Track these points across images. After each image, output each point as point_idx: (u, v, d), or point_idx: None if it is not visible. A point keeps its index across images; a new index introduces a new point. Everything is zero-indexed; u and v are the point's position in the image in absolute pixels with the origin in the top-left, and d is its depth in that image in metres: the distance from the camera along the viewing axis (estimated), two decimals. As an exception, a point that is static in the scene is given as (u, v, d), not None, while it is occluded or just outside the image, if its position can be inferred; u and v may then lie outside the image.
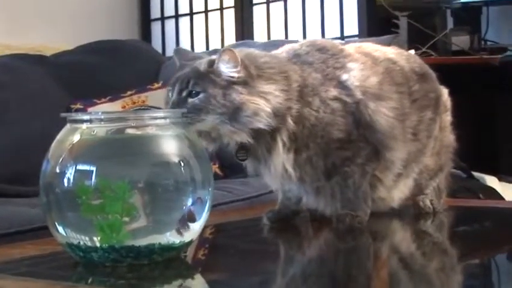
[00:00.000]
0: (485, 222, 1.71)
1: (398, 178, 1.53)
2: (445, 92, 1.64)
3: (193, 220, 1.23)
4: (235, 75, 1.37)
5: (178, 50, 1.54)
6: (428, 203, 1.61)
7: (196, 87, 1.37)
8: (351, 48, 1.54)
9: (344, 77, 1.47)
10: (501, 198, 2.73)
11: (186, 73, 1.39)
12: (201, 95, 1.36)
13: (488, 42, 3.77)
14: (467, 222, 1.69)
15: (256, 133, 1.40)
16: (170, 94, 1.40)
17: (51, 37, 3.27)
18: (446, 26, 3.63)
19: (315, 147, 1.45)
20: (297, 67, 1.47)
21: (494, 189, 2.81)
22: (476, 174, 2.94)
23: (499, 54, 3.47)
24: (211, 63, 1.39)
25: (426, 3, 3.65)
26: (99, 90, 2.74)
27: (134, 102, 2.68)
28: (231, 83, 1.37)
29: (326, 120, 1.44)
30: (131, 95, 2.70)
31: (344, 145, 1.45)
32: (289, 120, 1.42)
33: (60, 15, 3.41)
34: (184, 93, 1.37)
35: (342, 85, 1.46)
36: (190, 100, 1.37)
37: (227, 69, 1.37)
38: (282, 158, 1.43)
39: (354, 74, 1.47)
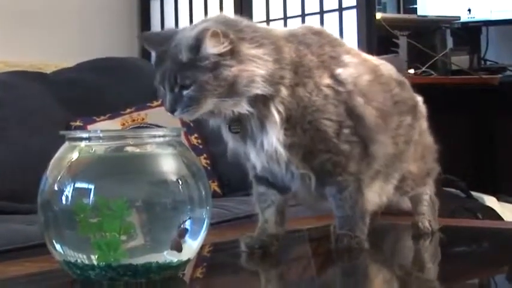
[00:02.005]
0: (484, 242, 1.71)
1: (375, 176, 1.50)
2: (419, 99, 1.63)
3: (179, 250, 1.22)
4: (224, 50, 1.34)
5: (145, 37, 1.46)
6: (427, 224, 1.61)
7: (186, 80, 1.34)
8: None
9: (338, 70, 1.45)
10: (500, 218, 2.73)
11: (170, 68, 1.35)
12: (193, 86, 1.34)
13: (488, 62, 3.79)
14: (465, 243, 1.68)
15: (251, 103, 1.37)
16: (162, 91, 1.37)
17: (51, 54, 3.28)
18: (446, 45, 3.64)
19: (299, 136, 1.41)
20: (291, 45, 1.44)
21: (493, 209, 2.81)
22: (475, 194, 2.94)
23: (498, 74, 3.49)
24: (193, 49, 1.34)
25: (426, 23, 3.67)
26: (99, 107, 2.75)
27: (134, 120, 2.68)
28: (217, 62, 1.34)
29: (318, 104, 1.41)
30: (131, 112, 2.71)
31: (332, 148, 1.42)
32: (283, 90, 1.39)
33: (60, 32, 3.42)
34: (176, 89, 1.35)
35: (335, 78, 1.44)
36: (185, 93, 1.34)
37: (216, 49, 1.33)
38: (277, 129, 1.39)
39: (349, 71, 1.45)
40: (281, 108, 1.39)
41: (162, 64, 1.37)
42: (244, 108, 1.37)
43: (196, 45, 1.33)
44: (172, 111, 1.36)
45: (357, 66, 1.48)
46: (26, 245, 1.84)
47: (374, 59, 1.57)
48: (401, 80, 1.58)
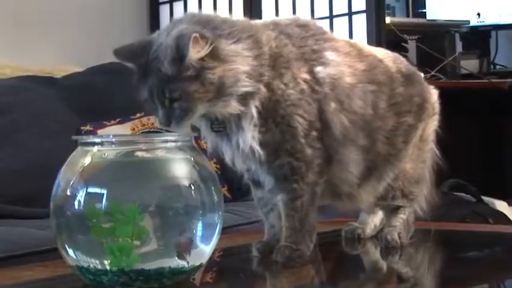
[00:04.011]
0: (495, 247, 1.70)
1: (367, 177, 1.48)
2: (433, 93, 1.59)
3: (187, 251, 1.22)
4: (207, 52, 1.31)
5: (117, 51, 1.40)
6: (396, 236, 1.53)
7: (175, 93, 1.32)
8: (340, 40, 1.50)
9: (318, 68, 1.42)
10: (511, 223, 2.72)
11: (156, 83, 1.33)
12: (183, 97, 1.32)
13: (497, 66, 3.78)
14: (477, 247, 1.68)
15: (241, 101, 1.35)
16: (153, 106, 1.35)
17: (61, 58, 3.29)
18: (455, 49, 3.64)
19: (272, 130, 1.38)
20: (272, 33, 1.41)
21: (503, 214, 2.81)
22: (485, 198, 2.93)
23: (508, 78, 3.48)
24: (176, 60, 1.31)
25: (435, 27, 3.67)
26: (109, 112, 2.75)
27: (144, 125, 2.69)
28: (200, 67, 1.32)
29: (293, 98, 1.38)
30: (141, 117, 2.71)
31: (297, 153, 1.40)
32: (262, 88, 1.37)
33: (69, 36, 3.43)
34: (167, 103, 1.33)
35: (313, 75, 1.41)
36: (176, 105, 1.33)
37: (199, 54, 1.31)
38: (253, 127, 1.37)
39: (328, 71, 1.42)
40: (259, 104, 1.37)
41: (145, 79, 1.35)
42: (235, 107, 1.35)
43: (179, 56, 1.31)
44: (167, 125, 1.35)
45: (340, 66, 1.44)
46: (37, 250, 1.84)
47: (380, 53, 1.53)
48: (411, 74, 1.54)
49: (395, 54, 1.58)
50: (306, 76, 1.41)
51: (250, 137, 1.38)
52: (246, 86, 1.35)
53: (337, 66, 1.44)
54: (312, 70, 1.42)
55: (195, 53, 1.31)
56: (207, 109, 1.35)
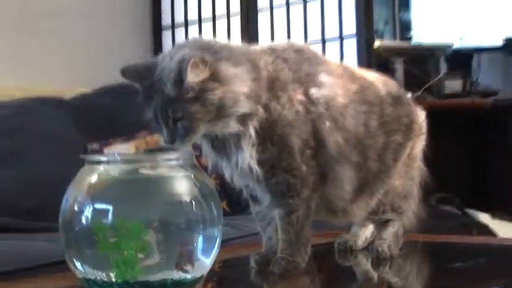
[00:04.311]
0: (479, 258, 1.70)
1: (360, 193, 1.48)
2: (421, 114, 1.59)
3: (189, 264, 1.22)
4: (207, 75, 1.32)
5: (124, 70, 1.40)
6: (386, 248, 1.53)
7: (177, 114, 1.32)
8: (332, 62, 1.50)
9: (312, 90, 1.42)
10: (493, 235, 2.72)
11: (160, 104, 1.33)
12: (185, 116, 1.32)
13: (480, 86, 3.80)
14: (462, 258, 1.67)
15: (240, 122, 1.35)
16: (157, 126, 1.36)
17: (68, 81, 3.30)
18: (439, 70, 3.66)
19: (270, 149, 1.38)
20: (269, 58, 1.42)
21: (487, 226, 2.80)
22: (469, 211, 2.93)
23: (490, 97, 3.50)
24: (176, 83, 1.31)
25: (421, 49, 3.69)
26: (114, 130, 2.75)
27: (147, 143, 2.69)
28: (201, 89, 1.32)
29: (288, 119, 1.38)
30: (145, 135, 2.71)
31: (293, 170, 1.40)
32: (260, 109, 1.37)
33: (76, 60, 3.45)
34: (170, 122, 1.34)
35: (308, 96, 1.42)
36: (179, 125, 1.33)
37: (198, 78, 1.31)
38: (251, 146, 1.37)
39: (323, 92, 1.42)
40: (257, 125, 1.37)
41: (150, 100, 1.35)
42: (236, 128, 1.36)
43: (179, 79, 1.31)
44: (171, 143, 1.35)
45: (333, 87, 1.44)
46: (46, 263, 1.83)
47: (371, 76, 1.54)
48: (399, 96, 1.54)
49: (385, 78, 1.58)
50: (301, 97, 1.41)
51: (248, 156, 1.38)
52: (244, 106, 1.35)
53: (330, 87, 1.44)
54: (307, 92, 1.42)
55: (194, 76, 1.31)
56: (208, 129, 1.35)
